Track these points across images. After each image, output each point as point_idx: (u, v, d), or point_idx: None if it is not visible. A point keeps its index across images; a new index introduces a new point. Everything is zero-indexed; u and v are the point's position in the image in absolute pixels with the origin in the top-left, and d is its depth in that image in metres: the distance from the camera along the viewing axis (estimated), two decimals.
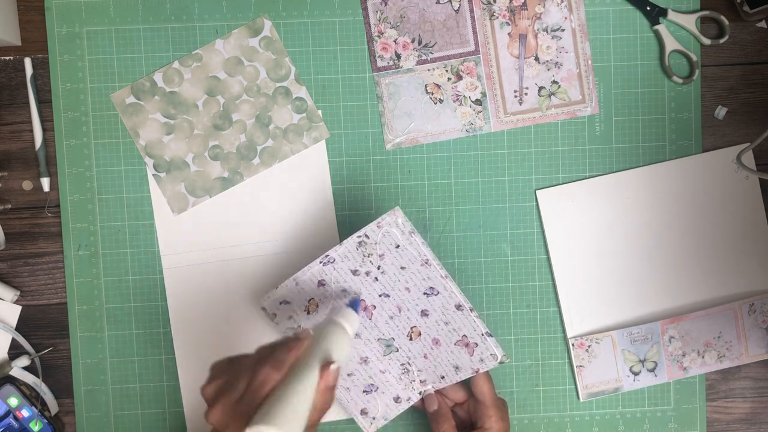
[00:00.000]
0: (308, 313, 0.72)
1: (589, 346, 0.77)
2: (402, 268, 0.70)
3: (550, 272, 0.78)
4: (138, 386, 0.77)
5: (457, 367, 0.72)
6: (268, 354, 0.57)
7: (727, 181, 0.78)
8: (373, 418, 0.74)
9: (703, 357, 0.78)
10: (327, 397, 0.57)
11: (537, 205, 0.78)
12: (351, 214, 0.77)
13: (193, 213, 0.76)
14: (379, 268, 0.70)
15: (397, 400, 0.74)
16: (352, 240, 0.69)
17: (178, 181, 0.76)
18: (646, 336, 0.77)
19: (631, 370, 0.78)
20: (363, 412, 0.74)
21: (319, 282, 0.70)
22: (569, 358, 0.78)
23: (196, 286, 0.76)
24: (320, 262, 0.70)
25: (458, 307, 0.70)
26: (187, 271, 0.76)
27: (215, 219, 0.76)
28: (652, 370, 0.78)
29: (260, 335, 0.77)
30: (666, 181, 0.77)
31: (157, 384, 0.77)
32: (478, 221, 0.78)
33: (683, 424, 0.79)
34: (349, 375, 0.73)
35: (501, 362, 0.70)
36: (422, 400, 0.74)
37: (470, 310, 0.70)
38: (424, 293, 0.70)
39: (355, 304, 0.65)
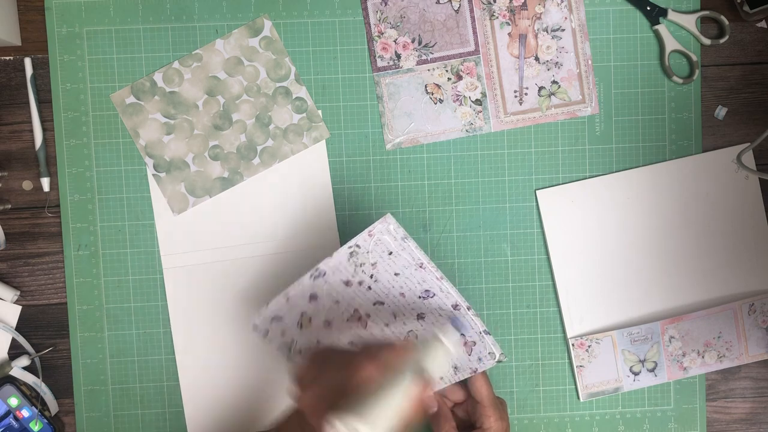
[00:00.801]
0: (301, 327, 0.70)
1: (589, 346, 0.77)
2: (396, 274, 0.69)
3: (550, 272, 0.78)
4: (138, 386, 0.77)
5: (455, 368, 0.71)
6: (372, 352, 0.57)
7: (727, 181, 0.77)
8: None
9: (703, 357, 0.78)
10: (418, 410, 0.56)
11: (537, 205, 0.78)
12: (351, 214, 0.77)
13: (193, 213, 0.76)
14: (372, 277, 0.69)
15: None
16: (343, 251, 0.67)
17: (178, 181, 0.76)
18: (646, 336, 0.77)
19: (631, 370, 0.78)
20: None
21: (310, 296, 0.69)
22: (569, 358, 0.78)
23: (196, 286, 0.76)
24: (310, 276, 0.68)
25: (455, 306, 0.69)
26: (187, 271, 0.76)
27: (215, 219, 0.76)
28: (652, 370, 0.78)
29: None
30: (666, 181, 0.77)
31: (157, 384, 0.77)
32: (478, 221, 0.78)
33: (683, 424, 0.79)
34: None
35: (499, 361, 0.70)
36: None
37: (467, 308, 0.69)
38: (420, 297, 0.69)
39: (456, 322, 0.63)
